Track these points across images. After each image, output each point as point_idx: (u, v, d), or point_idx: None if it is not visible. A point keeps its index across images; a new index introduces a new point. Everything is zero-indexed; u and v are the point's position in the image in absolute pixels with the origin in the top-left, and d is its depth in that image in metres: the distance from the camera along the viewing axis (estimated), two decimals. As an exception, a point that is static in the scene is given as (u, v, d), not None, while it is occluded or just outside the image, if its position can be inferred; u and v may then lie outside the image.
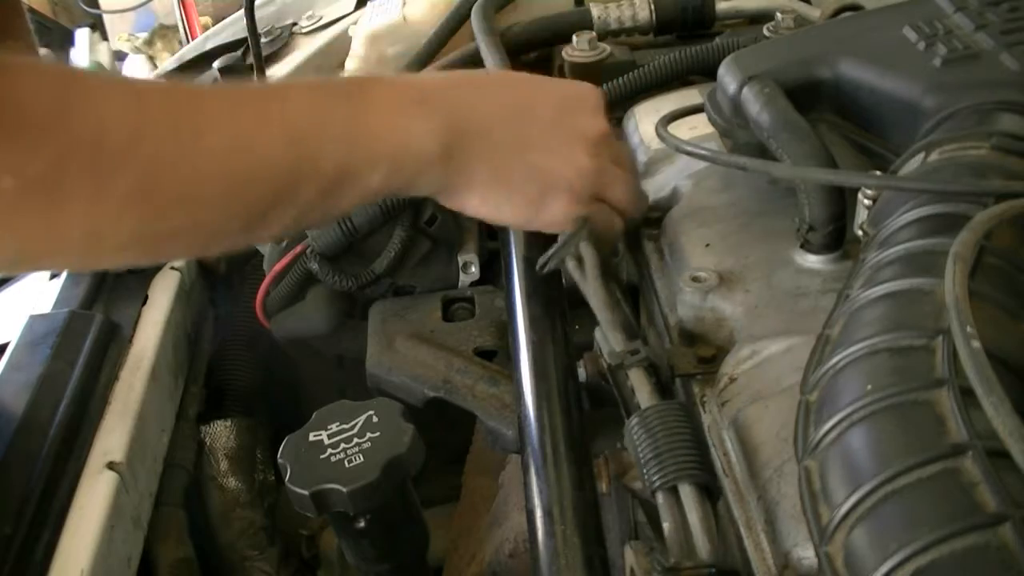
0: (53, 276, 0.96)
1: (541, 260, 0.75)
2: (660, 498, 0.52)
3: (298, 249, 0.90)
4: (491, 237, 0.99)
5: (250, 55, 1.26)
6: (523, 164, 0.69)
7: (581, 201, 0.71)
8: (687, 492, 0.51)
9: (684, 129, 0.81)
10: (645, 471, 0.53)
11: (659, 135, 0.77)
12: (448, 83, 0.69)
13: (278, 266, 0.92)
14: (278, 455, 0.68)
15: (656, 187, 0.84)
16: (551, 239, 0.74)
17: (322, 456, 0.66)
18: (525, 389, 0.69)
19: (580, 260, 0.72)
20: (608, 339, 0.65)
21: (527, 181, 0.69)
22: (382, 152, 0.61)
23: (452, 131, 0.64)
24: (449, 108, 0.65)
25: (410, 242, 0.91)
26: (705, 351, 0.64)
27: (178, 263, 0.99)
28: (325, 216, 0.69)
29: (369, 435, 0.67)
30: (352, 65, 1.18)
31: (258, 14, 1.17)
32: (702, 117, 0.78)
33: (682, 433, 0.54)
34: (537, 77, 0.78)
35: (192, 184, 0.53)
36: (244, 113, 0.56)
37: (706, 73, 0.94)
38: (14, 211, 0.47)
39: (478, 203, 0.69)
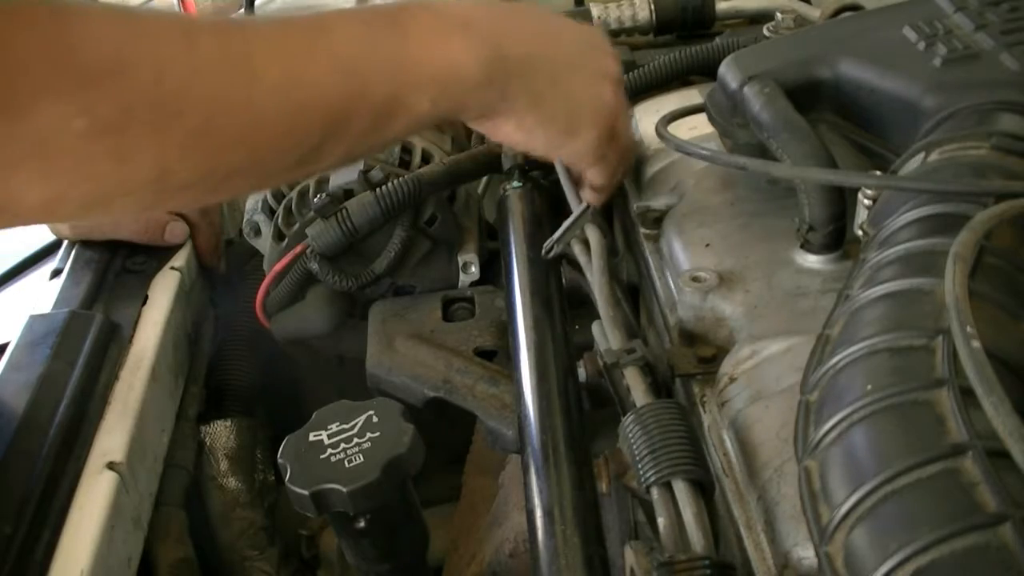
0: (53, 276, 0.96)
1: (547, 244, 0.76)
2: (655, 494, 0.52)
3: (298, 249, 0.90)
4: (491, 237, 0.99)
5: (250, 55, 1.26)
6: (558, 91, 0.72)
7: (603, 136, 0.75)
8: (681, 488, 0.51)
9: (684, 129, 0.81)
10: (640, 468, 0.53)
11: (659, 135, 0.77)
12: (486, 10, 0.72)
13: (278, 266, 0.92)
14: (278, 455, 0.68)
15: (656, 187, 0.84)
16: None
17: (322, 456, 0.66)
18: (525, 389, 0.69)
19: (586, 244, 0.73)
20: (607, 336, 0.65)
21: (561, 108, 0.73)
22: (429, 77, 0.63)
23: (493, 55, 0.67)
24: (489, 33, 0.68)
25: (410, 242, 0.91)
26: (705, 351, 0.64)
27: (178, 263, 0.99)
28: (377, 145, 0.71)
29: (369, 435, 0.67)
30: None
31: (258, 14, 1.17)
32: (702, 117, 0.78)
33: (676, 430, 0.54)
34: (558, 15, 0.81)
35: (249, 121, 0.55)
36: (293, 49, 0.58)
37: (706, 73, 0.94)
38: (87, 153, 0.49)
39: (514, 128, 0.72)
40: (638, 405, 0.57)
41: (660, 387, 0.62)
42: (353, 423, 0.68)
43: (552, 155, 0.79)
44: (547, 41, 0.73)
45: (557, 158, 0.80)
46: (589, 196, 0.81)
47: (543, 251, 0.77)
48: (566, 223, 0.76)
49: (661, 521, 0.51)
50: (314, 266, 0.89)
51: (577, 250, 0.75)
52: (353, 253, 0.91)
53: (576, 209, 0.76)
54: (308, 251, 0.89)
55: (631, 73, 0.95)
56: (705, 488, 0.52)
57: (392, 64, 0.62)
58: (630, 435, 0.55)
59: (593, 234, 0.74)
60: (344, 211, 0.87)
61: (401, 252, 0.90)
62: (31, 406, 0.76)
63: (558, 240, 0.76)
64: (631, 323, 0.77)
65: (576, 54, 0.74)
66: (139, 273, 0.97)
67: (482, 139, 0.99)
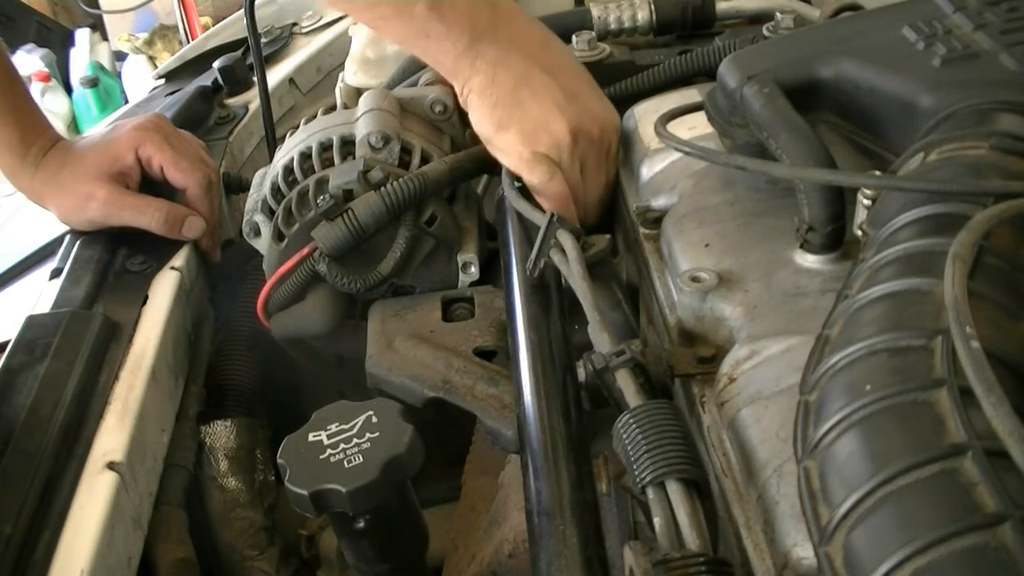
0: (53, 276, 0.96)
1: (528, 265, 0.77)
2: (650, 494, 0.52)
3: (305, 251, 0.90)
4: (491, 237, 0.99)
5: (250, 55, 1.26)
6: (518, 92, 0.83)
7: (529, 152, 0.84)
8: (674, 488, 0.51)
9: (684, 129, 0.81)
10: (634, 469, 0.54)
11: (659, 135, 0.77)
12: (529, 31, 0.85)
13: (284, 267, 0.91)
14: (278, 455, 0.68)
15: (656, 187, 0.84)
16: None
17: (321, 456, 0.66)
18: (525, 389, 0.69)
19: (563, 252, 0.73)
20: (596, 340, 0.65)
21: (505, 105, 0.83)
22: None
23: (485, 34, 0.81)
24: (504, 28, 0.82)
25: (414, 242, 0.91)
26: (704, 351, 0.64)
27: (178, 263, 0.99)
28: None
29: (368, 435, 0.67)
30: (352, 65, 1.18)
31: (258, 14, 1.17)
32: (702, 117, 0.78)
33: (669, 430, 0.54)
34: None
35: None
36: None
37: (706, 75, 0.94)
38: None
39: (465, 92, 0.85)
40: (631, 406, 0.57)
41: (655, 386, 0.62)
42: (352, 423, 0.68)
43: (483, 141, 0.87)
44: (549, 60, 0.83)
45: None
46: (546, 204, 0.84)
47: (527, 272, 0.78)
48: (537, 241, 0.77)
49: (657, 521, 0.51)
50: (322, 268, 0.89)
51: (557, 259, 0.75)
52: (356, 254, 0.91)
53: (541, 223, 0.77)
54: (317, 252, 0.89)
55: (633, 78, 0.95)
56: (700, 487, 0.53)
57: None
58: (624, 437, 0.55)
59: (567, 240, 0.74)
60: (350, 211, 0.87)
61: (407, 252, 0.90)
62: (31, 406, 0.76)
63: (536, 259, 0.77)
64: (629, 322, 0.76)
65: (566, 93, 0.83)
66: (139, 273, 0.97)
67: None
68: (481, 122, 0.85)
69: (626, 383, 0.60)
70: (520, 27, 0.83)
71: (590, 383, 0.68)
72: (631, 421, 0.56)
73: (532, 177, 0.84)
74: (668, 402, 0.58)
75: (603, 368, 0.62)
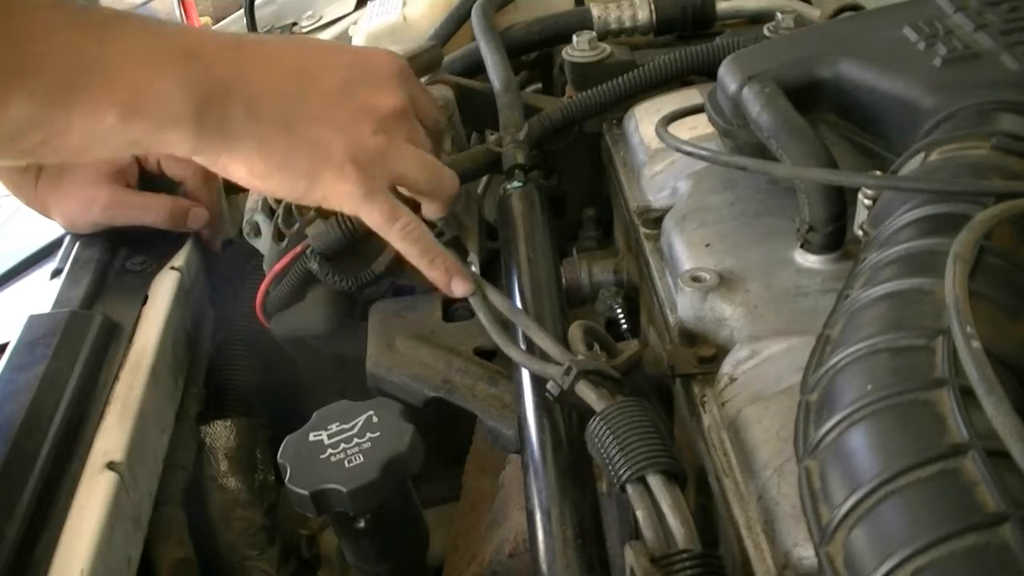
0: (53, 276, 0.96)
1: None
2: (629, 490, 0.52)
3: (298, 249, 0.90)
4: (491, 237, 0.99)
5: (250, 55, 1.26)
6: (295, 135, 0.68)
7: (367, 179, 0.71)
8: (655, 481, 0.52)
9: (684, 129, 0.81)
10: (610, 469, 0.54)
11: (659, 135, 0.77)
12: (220, 45, 0.67)
13: (278, 266, 0.91)
14: (278, 455, 0.68)
15: (656, 187, 0.84)
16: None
17: (322, 456, 0.66)
18: (525, 389, 0.69)
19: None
20: (544, 374, 0.64)
21: (299, 153, 0.69)
22: (117, 87, 0.60)
23: (212, 93, 0.63)
24: (214, 68, 0.64)
25: (410, 242, 0.91)
26: (705, 351, 0.64)
27: (178, 263, 0.99)
28: (52, 148, 0.63)
29: (369, 435, 0.67)
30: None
31: (258, 14, 1.17)
32: (702, 117, 0.78)
33: (640, 426, 0.54)
34: (334, 45, 0.76)
35: None
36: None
37: (705, 73, 0.94)
38: None
39: (244, 172, 0.69)
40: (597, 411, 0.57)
41: (619, 382, 0.61)
42: (353, 423, 0.68)
43: (302, 202, 0.76)
44: (293, 80, 0.69)
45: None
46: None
47: None
48: None
49: (640, 514, 0.51)
50: (314, 266, 0.89)
51: (480, 316, 0.74)
52: (353, 253, 0.90)
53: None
54: (308, 251, 0.89)
55: (629, 73, 0.95)
56: (680, 479, 0.53)
57: (79, 55, 0.58)
58: (596, 443, 0.55)
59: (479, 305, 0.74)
60: (344, 210, 0.87)
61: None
62: (31, 406, 0.76)
63: None
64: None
65: (332, 92, 0.70)
66: (139, 273, 0.97)
67: (482, 139, 0.99)
68: (289, 186, 0.72)
69: (587, 393, 0.60)
70: (270, 68, 0.69)
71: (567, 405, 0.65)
72: (598, 426, 0.56)
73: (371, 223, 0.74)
74: (634, 399, 0.58)
75: (561, 393, 0.61)
